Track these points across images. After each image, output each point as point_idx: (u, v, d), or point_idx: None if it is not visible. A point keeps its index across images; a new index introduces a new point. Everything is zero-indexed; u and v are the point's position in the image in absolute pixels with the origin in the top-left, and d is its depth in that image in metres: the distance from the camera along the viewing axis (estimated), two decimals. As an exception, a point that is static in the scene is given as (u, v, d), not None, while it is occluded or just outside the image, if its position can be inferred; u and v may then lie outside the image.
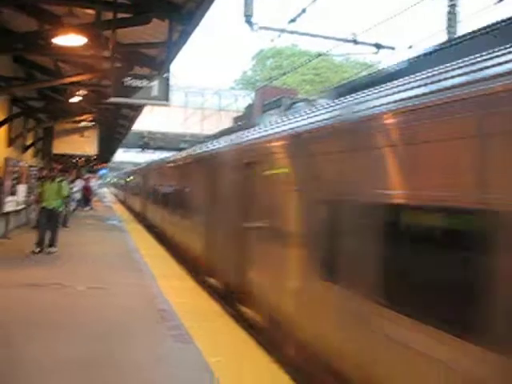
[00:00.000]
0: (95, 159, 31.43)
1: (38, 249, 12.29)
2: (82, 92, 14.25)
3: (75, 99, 14.62)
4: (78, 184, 26.94)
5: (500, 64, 3.51)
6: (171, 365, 5.51)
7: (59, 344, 5.92)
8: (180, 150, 22.35)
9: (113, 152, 38.78)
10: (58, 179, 13.26)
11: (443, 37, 11.96)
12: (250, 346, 6.21)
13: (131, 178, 35.79)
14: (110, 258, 12.42)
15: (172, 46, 8.72)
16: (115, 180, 61.64)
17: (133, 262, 12.04)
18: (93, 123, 19.10)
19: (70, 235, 16.00)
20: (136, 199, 29.45)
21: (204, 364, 5.42)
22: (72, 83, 12.31)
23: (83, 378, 4.93)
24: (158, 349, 5.95)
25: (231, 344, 6.23)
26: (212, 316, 7.53)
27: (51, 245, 12.61)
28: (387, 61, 14.67)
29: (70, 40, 8.61)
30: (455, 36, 10.33)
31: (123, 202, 42.01)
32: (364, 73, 45.58)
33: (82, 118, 17.88)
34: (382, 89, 4.99)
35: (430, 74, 4.30)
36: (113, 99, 8.87)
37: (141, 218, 25.04)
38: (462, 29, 11.98)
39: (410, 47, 10.84)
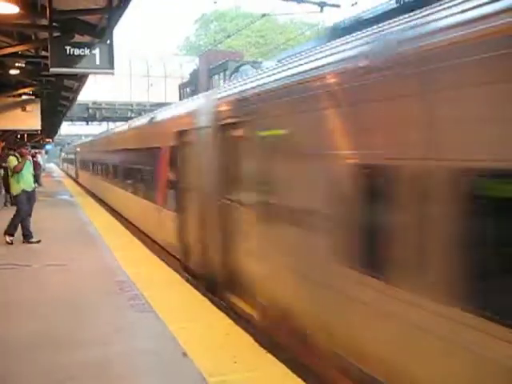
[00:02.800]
0: (40, 134, 30.40)
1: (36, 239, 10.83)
2: (20, 64, 13.64)
3: (13, 72, 13.98)
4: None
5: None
6: (133, 335, 5.50)
7: (15, 322, 5.83)
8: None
9: (58, 125, 37.59)
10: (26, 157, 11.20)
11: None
12: (209, 309, 6.25)
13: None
14: (64, 233, 12.16)
15: (113, 12, 8.41)
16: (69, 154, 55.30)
17: (88, 235, 11.84)
18: (34, 96, 18.40)
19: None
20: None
21: (167, 332, 5.44)
22: (7, 55, 11.69)
23: (43, 355, 4.87)
24: (119, 320, 5.92)
25: (190, 310, 6.25)
26: (169, 284, 7.54)
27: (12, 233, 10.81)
28: (332, 19, 14.67)
29: (2, 7, 8.17)
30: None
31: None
32: (308, 33, 45.33)
33: (22, 91, 17.17)
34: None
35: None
36: (53, 70, 8.54)
37: None
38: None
39: (355, 3, 10.83)
